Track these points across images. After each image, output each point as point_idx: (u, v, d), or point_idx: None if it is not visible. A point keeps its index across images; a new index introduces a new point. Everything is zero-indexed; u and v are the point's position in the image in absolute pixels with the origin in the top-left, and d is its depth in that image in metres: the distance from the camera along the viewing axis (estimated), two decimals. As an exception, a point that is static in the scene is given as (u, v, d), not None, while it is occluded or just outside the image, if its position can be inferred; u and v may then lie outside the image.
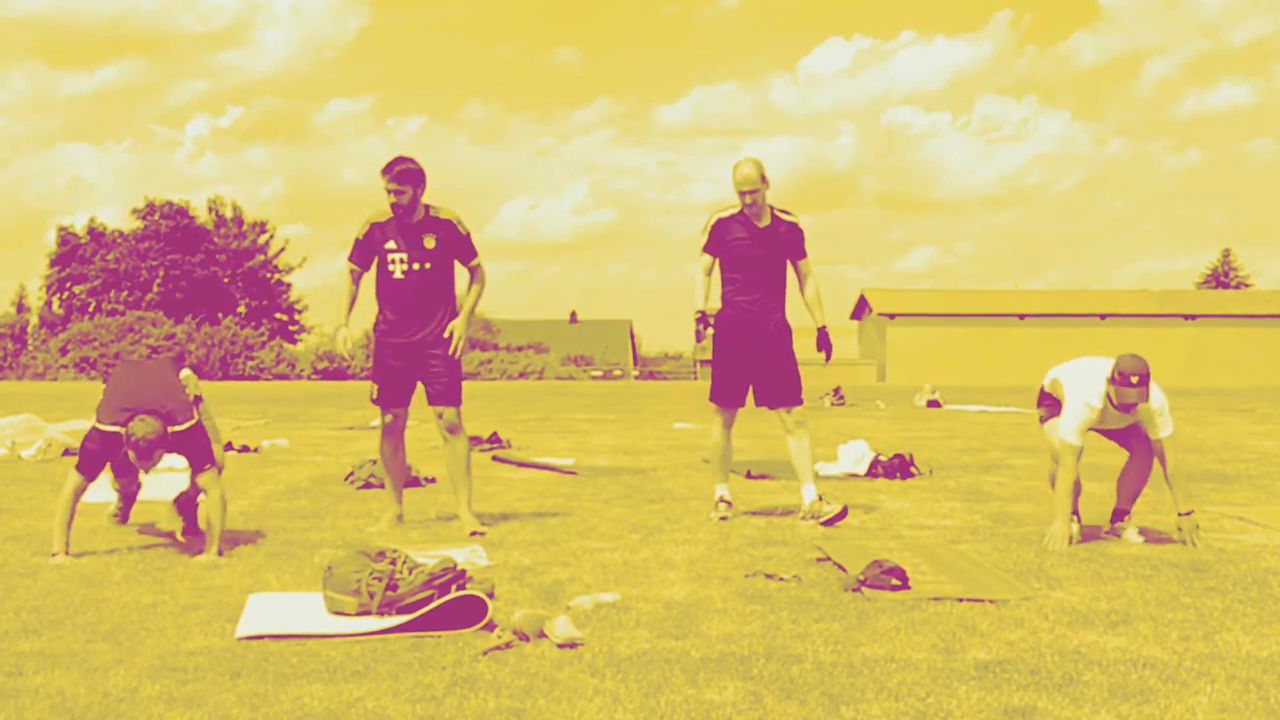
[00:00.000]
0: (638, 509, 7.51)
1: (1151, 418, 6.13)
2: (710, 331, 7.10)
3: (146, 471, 5.86)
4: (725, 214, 7.03)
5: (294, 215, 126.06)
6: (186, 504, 6.41)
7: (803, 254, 7.14)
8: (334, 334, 6.88)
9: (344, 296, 6.79)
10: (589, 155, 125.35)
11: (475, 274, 6.78)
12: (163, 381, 6.06)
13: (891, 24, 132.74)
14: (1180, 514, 6.16)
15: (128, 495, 6.69)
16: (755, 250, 6.99)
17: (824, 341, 7.23)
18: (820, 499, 6.97)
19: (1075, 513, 6.43)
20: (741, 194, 6.92)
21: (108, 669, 3.72)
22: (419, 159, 6.57)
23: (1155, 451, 6.20)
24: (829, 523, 6.81)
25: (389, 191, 6.51)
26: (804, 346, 7.16)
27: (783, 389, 7.11)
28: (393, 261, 6.60)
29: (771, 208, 7.04)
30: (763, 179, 6.92)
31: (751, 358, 7.06)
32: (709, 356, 7.51)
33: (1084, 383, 6.17)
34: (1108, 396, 6.03)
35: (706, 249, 7.06)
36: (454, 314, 6.73)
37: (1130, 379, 5.93)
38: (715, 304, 7.17)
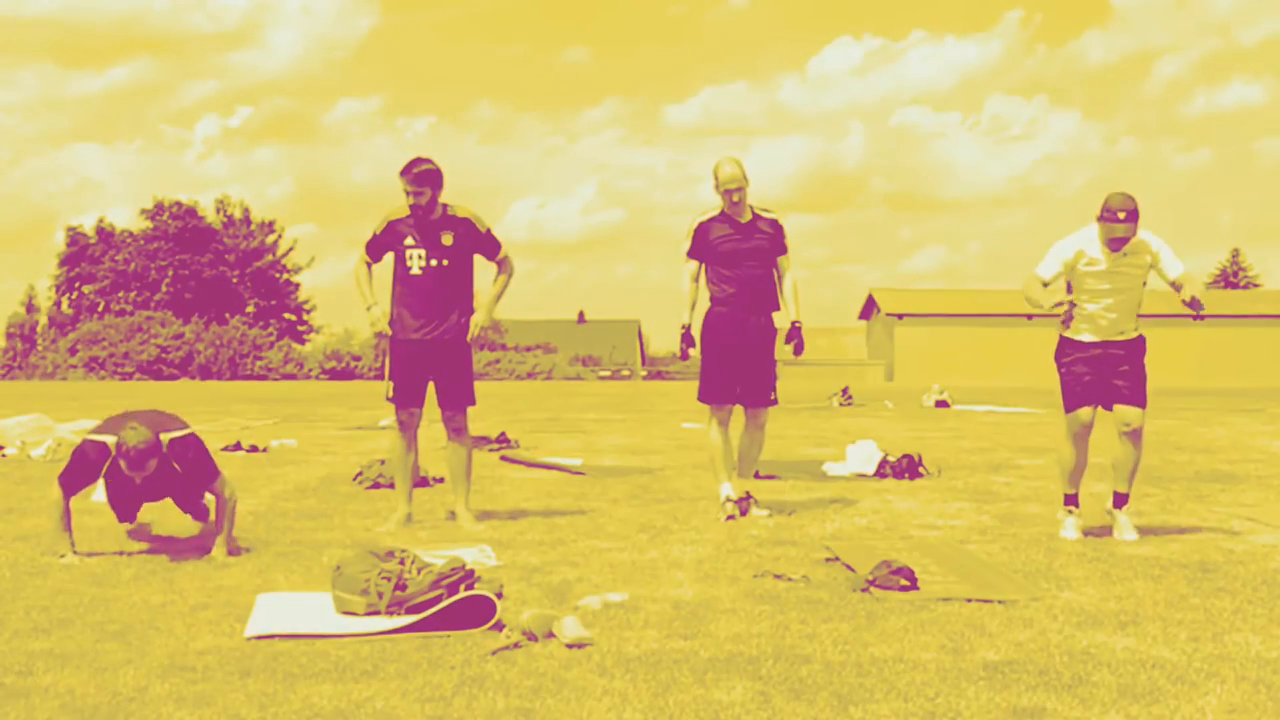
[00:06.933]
0: (646, 509, 7.51)
1: (1159, 257, 6.16)
2: (694, 351, 7.17)
3: (139, 481, 5.70)
4: (706, 216, 7.11)
5: (303, 215, 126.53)
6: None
7: (784, 250, 7.18)
8: (366, 312, 6.77)
9: (364, 281, 6.80)
10: (598, 155, 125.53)
11: (503, 266, 6.87)
12: (158, 411, 6.06)
13: (902, 23, 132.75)
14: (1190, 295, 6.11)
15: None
16: (740, 247, 7.03)
17: (794, 334, 7.24)
18: (729, 500, 7.04)
19: (1076, 500, 6.42)
20: (727, 193, 6.98)
21: (117, 668, 3.73)
22: (434, 159, 6.60)
23: (1178, 286, 6.15)
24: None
25: (408, 193, 6.56)
26: (783, 347, 7.23)
27: (760, 389, 7.18)
28: (410, 257, 6.63)
29: (751, 206, 7.09)
30: (744, 177, 6.98)
31: (738, 355, 7.09)
32: None
33: (1067, 236, 6.24)
34: (1099, 243, 6.10)
35: (691, 254, 7.13)
36: (470, 312, 6.77)
37: (1117, 214, 5.99)
38: (704, 306, 7.21)
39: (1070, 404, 6.31)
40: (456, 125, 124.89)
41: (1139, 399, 6.28)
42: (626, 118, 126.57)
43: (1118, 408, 6.28)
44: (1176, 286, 6.20)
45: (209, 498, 6.11)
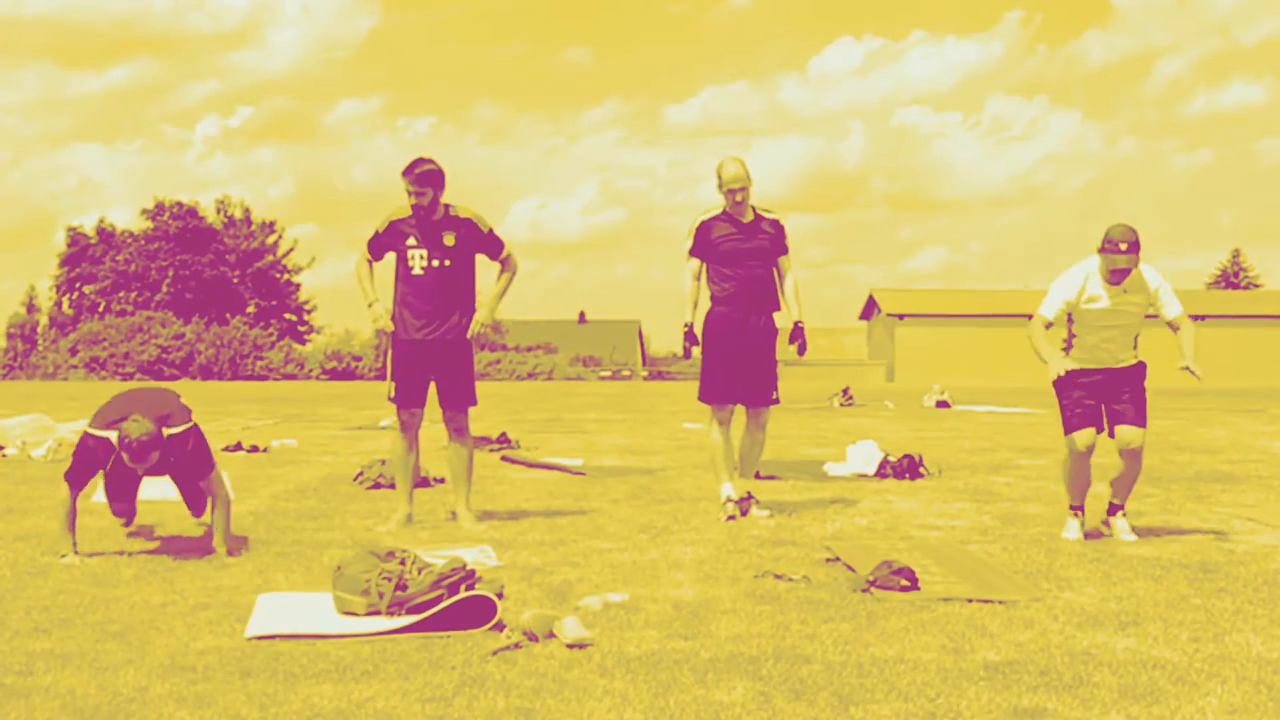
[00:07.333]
0: (646, 509, 7.51)
1: (1158, 295, 6.20)
2: (697, 349, 7.16)
3: (141, 473, 5.74)
4: (708, 215, 7.12)
5: (304, 215, 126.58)
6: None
7: (785, 250, 7.19)
8: (368, 309, 6.79)
9: (365, 278, 6.81)
10: (598, 155, 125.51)
11: (506, 264, 6.88)
12: (159, 393, 6.07)
13: (902, 24, 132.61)
14: (1187, 359, 6.19)
15: (126, 517, 6.36)
16: (741, 247, 7.05)
17: (798, 335, 7.26)
18: (730, 501, 7.04)
19: (1082, 507, 6.43)
20: (730, 192, 6.99)
21: (118, 668, 3.73)
22: (437, 160, 6.61)
23: (1175, 327, 6.25)
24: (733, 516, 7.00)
25: (410, 193, 6.57)
26: (785, 347, 7.24)
27: (761, 389, 7.18)
28: (412, 258, 6.64)
29: (753, 206, 7.10)
30: (748, 176, 7.00)
31: (739, 355, 7.09)
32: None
33: (1066, 271, 6.25)
34: (1100, 277, 6.12)
35: (693, 252, 7.13)
36: (472, 312, 6.77)
37: (1119, 245, 6.01)
38: (705, 305, 7.21)
39: (1069, 427, 6.30)
40: (457, 125, 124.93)
41: (1140, 420, 6.30)
42: (627, 118, 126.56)
43: (1119, 428, 6.29)
44: (1174, 327, 6.27)
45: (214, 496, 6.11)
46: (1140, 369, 6.38)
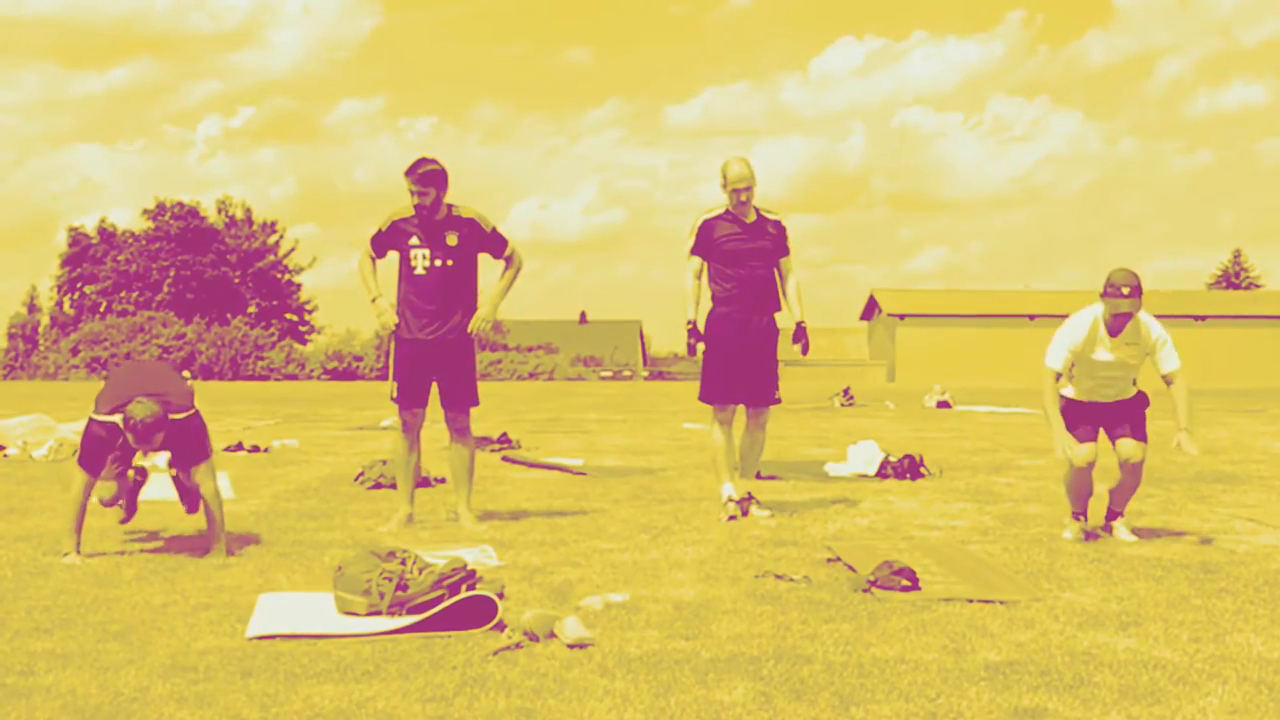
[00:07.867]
0: (647, 509, 7.51)
1: (1157, 347, 6.20)
2: (701, 345, 7.16)
3: (145, 455, 5.79)
4: (711, 214, 7.13)
5: (305, 215, 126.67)
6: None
7: (786, 251, 7.21)
8: (372, 304, 6.76)
9: (369, 274, 6.80)
10: (599, 155, 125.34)
11: (510, 261, 6.88)
12: (162, 371, 6.11)
13: (904, 24, 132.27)
14: (1181, 429, 6.18)
15: (122, 492, 6.38)
16: (744, 247, 7.06)
17: (800, 335, 7.29)
18: (731, 501, 7.05)
19: (1084, 513, 6.43)
20: (735, 192, 7.01)
21: (119, 668, 3.73)
22: (440, 159, 6.61)
23: (1169, 382, 6.23)
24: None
25: (413, 193, 6.57)
26: (787, 347, 7.26)
27: (763, 389, 7.20)
28: (415, 257, 6.65)
29: (756, 207, 7.11)
30: (753, 176, 7.03)
31: (741, 355, 7.10)
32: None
33: (1071, 319, 6.25)
34: (1103, 326, 6.13)
35: (695, 251, 7.13)
36: (474, 312, 6.77)
37: (1121, 289, 6.02)
38: (706, 304, 7.21)
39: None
40: (458, 125, 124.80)
41: (1140, 436, 6.32)
42: (628, 118, 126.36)
43: (1119, 443, 6.32)
44: (1168, 381, 6.27)
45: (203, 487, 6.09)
46: (1141, 398, 6.41)
